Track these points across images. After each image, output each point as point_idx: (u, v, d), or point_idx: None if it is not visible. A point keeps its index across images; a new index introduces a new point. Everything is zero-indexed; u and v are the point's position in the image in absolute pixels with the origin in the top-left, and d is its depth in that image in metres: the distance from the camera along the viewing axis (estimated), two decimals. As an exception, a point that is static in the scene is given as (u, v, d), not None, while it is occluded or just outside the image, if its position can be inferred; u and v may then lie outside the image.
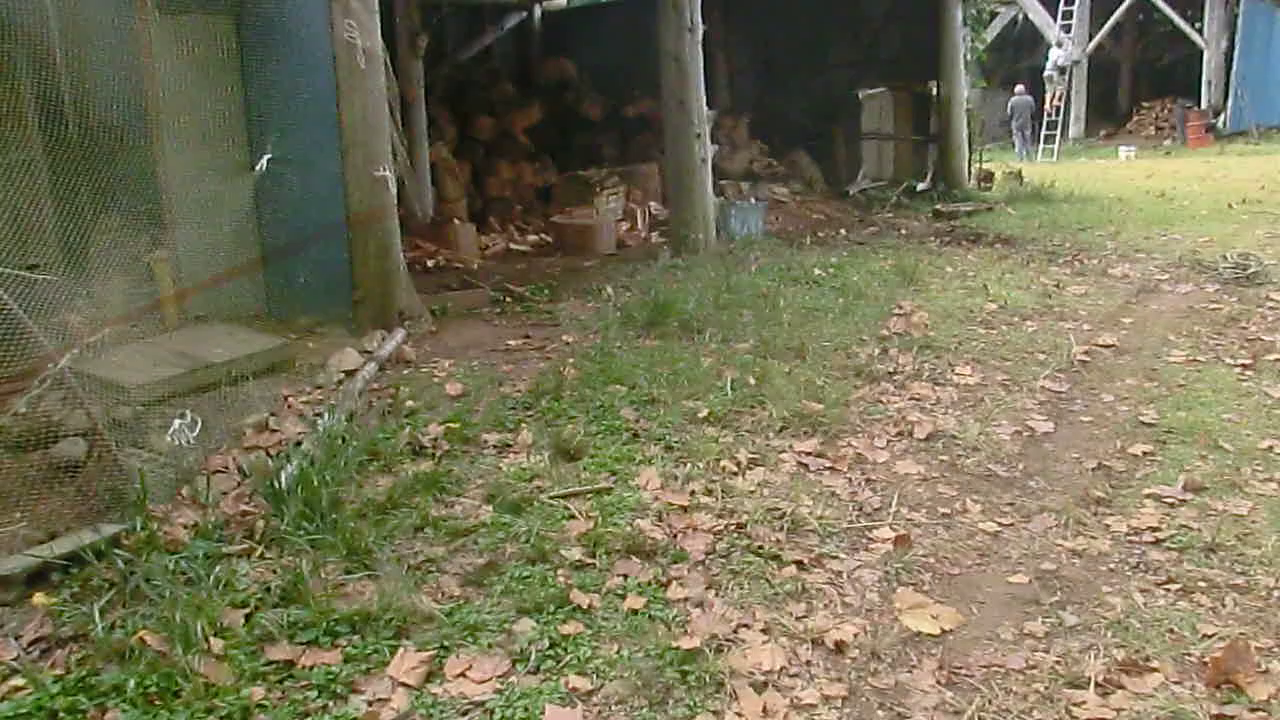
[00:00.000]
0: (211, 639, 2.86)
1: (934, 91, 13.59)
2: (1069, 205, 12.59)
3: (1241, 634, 2.98)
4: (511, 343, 6.21)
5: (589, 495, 3.90)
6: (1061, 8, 23.02)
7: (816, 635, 3.02)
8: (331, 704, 2.68)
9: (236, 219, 6.05)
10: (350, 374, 5.24)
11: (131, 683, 2.64)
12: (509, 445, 4.42)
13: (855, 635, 3.03)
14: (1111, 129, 25.71)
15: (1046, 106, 22.59)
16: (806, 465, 4.32)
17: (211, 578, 3.18)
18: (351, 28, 5.89)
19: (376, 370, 5.39)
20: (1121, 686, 2.78)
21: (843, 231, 10.78)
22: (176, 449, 4.03)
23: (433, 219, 9.70)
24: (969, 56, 13.96)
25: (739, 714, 2.65)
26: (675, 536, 3.62)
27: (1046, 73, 23.20)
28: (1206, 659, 2.86)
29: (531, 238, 10.51)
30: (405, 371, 5.53)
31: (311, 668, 2.80)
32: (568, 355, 5.76)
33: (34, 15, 5.12)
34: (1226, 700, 2.70)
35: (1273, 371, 5.55)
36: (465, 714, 2.65)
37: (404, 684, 2.75)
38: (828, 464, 4.34)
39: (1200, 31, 23.36)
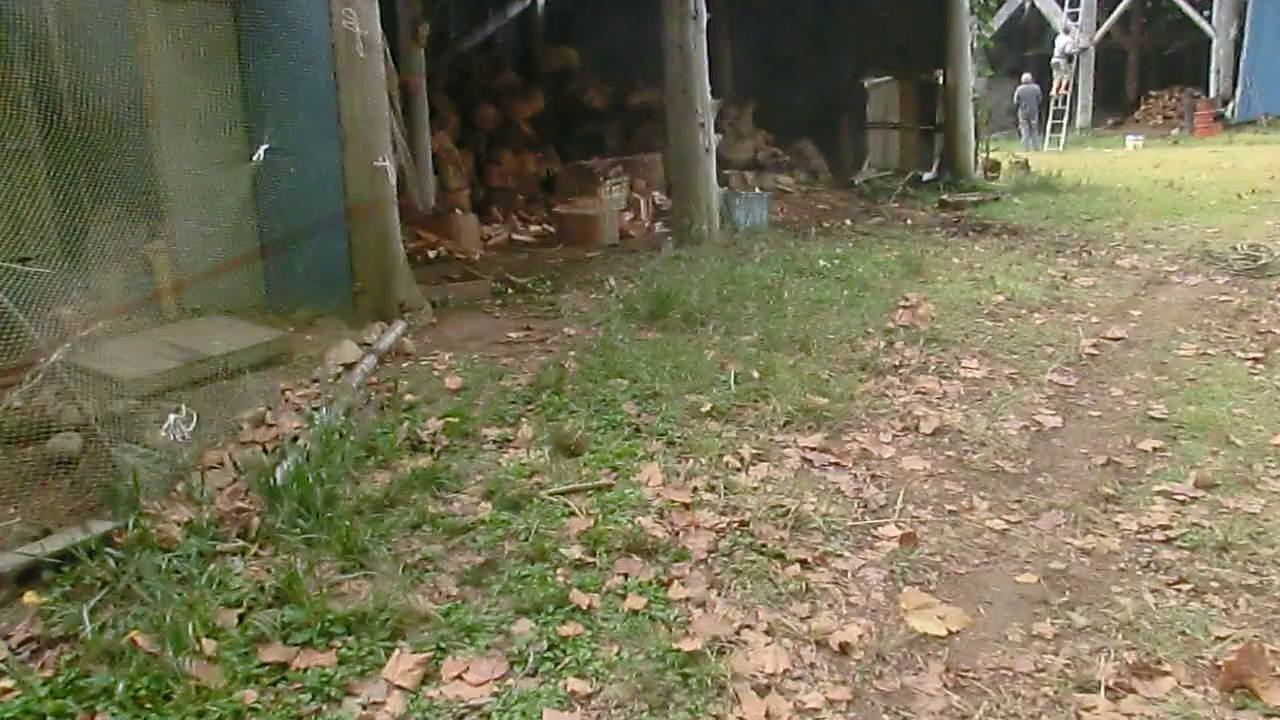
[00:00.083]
0: (204, 640, 2.81)
1: (940, 80, 13.48)
2: (1076, 195, 12.49)
3: (1255, 637, 2.91)
4: (512, 335, 6.15)
5: (589, 492, 3.84)
6: (1069, -6, 22.88)
7: (821, 636, 2.96)
8: (325, 707, 2.63)
9: (234, 210, 5.98)
10: (349, 367, 5.19)
11: (121, 685, 2.59)
12: (509, 440, 4.36)
13: (860, 637, 2.96)
14: (1118, 118, 25.57)
15: (1053, 93, 22.44)
16: (811, 461, 4.26)
17: (205, 577, 3.13)
18: (350, 16, 5.82)
19: (375, 363, 5.33)
20: (1133, 691, 2.72)
21: (848, 222, 10.70)
22: (171, 444, 3.97)
23: (434, 209, 9.63)
24: (976, 44, 13.83)
25: (741, 718, 2.59)
26: (677, 534, 3.56)
27: (1054, 60, 23.04)
28: (1220, 662, 2.80)
29: (534, 228, 10.45)
30: (405, 364, 5.47)
31: (305, 670, 2.74)
32: (569, 348, 5.70)
33: (30, 2, 5.05)
34: (1241, 705, 2.64)
35: (1284, 365, 5.47)
36: (461, 718, 2.59)
37: (399, 687, 2.69)
38: (832, 459, 4.27)
39: (1209, 19, 23.17)
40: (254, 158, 5.93)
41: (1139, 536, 3.61)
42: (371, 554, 3.31)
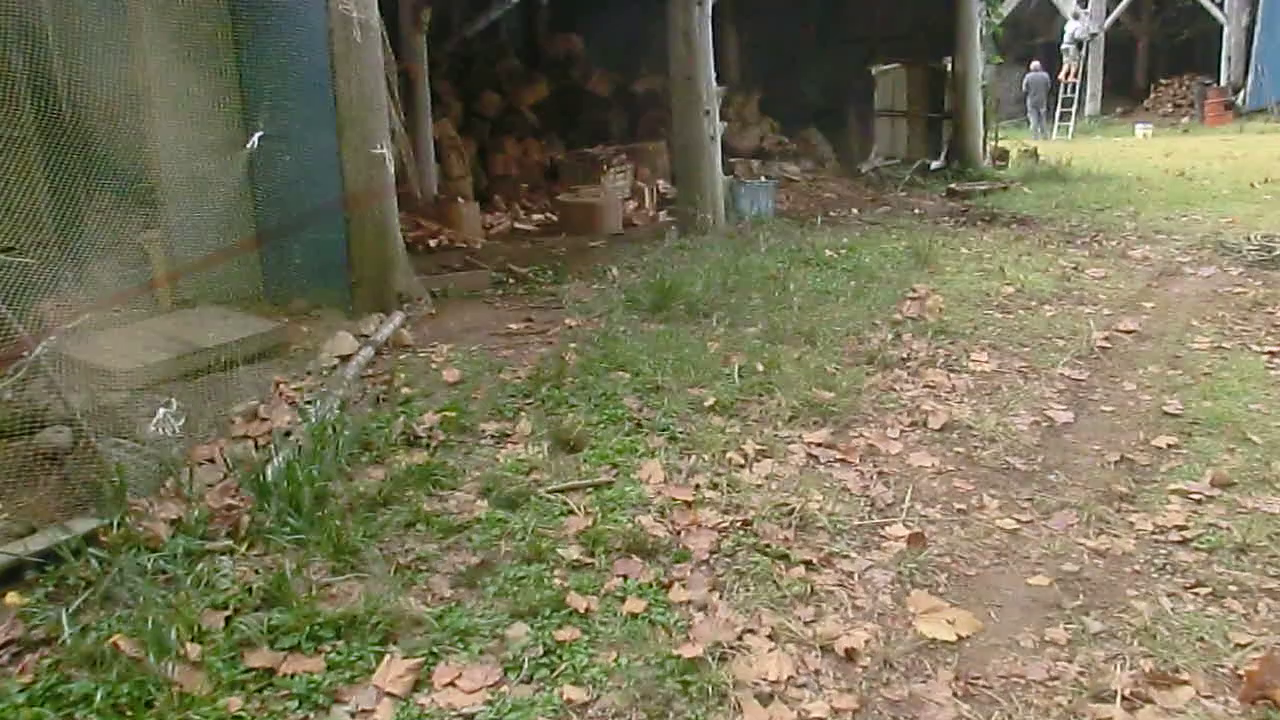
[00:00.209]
0: (188, 644, 2.72)
1: (949, 67, 13.32)
2: (1086, 184, 12.33)
3: (1277, 645, 2.81)
4: (513, 326, 6.05)
5: (589, 489, 3.74)
6: (1079, -19, 22.62)
7: (826, 642, 2.86)
8: (313, 715, 2.54)
9: (230, 198, 5.87)
10: (345, 359, 5.09)
11: (101, 692, 2.50)
12: (507, 435, 4.27)
13: (867, 642, 2.86)
14: (1128, 106, 25.31)
15: (1061, 78, 22.21)
16: (816, 457, 4.16)
17: (191, 577, 3.03)
18: (347, 0, 5.69)
19: (372, 355, 5.24)
20: (1150, 700, 2.62)
21: (855, 211, 10.56)
22: (161, 439, 3.88)
23: (436, 197, 9.54)
24: (985, 31, 13.65)
25: (743, 728, 2.50)
26: (678, 534, 3.45)
27: (1063, 45, 22.80)
28: (1241, 671, 2.69)
29: (537, 216, 10.34)
30: (402, 356, 5.37)
31: (293, 675, 2.65)
32: (570, 340, 5.60)
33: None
34: (1263, 717, 2.54)
35: (1301, 359, 5.35)
36: (453, 727, 2.51)
37: (390, 694, 2.60)
38: (838, 456, 4.17)
39: (1221, 7, 22.88)
40: (249, 144, 5.82)
41: (1154, 537, 3.50)
42: (363, 554, 3.21)
